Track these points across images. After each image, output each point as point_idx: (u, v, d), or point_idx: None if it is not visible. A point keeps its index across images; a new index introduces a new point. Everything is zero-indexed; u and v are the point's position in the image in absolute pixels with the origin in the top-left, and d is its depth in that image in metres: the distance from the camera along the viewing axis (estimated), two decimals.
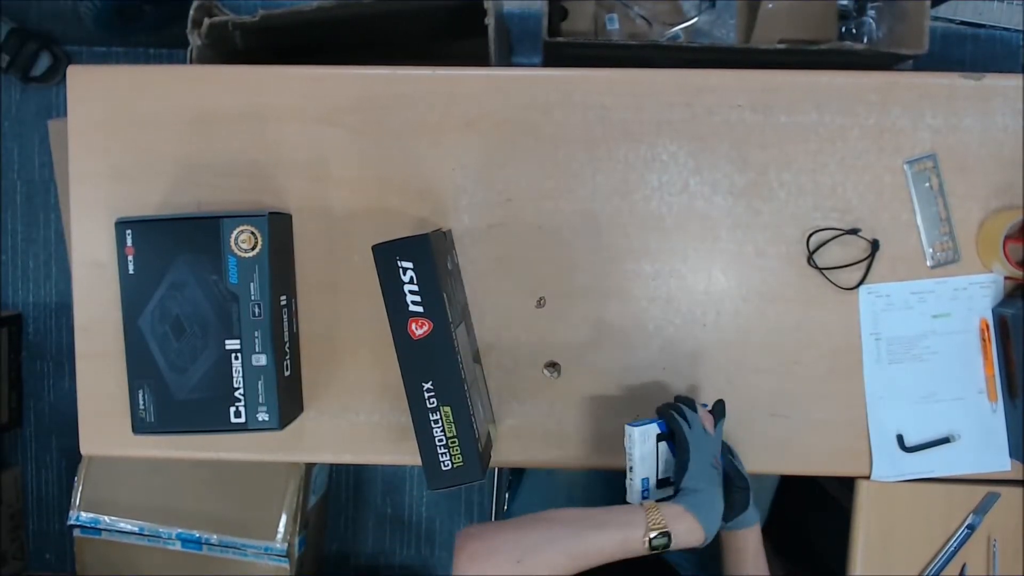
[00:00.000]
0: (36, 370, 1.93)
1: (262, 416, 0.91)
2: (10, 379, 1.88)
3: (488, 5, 1.13)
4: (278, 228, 0.94)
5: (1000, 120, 0.97)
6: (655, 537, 0.73)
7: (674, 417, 0.85)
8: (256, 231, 0.90)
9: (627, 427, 0.86)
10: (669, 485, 0.86)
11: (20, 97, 1.89)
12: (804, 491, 1.28)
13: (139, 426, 0.92)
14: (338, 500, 1.93)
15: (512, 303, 1.00)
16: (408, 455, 1.01)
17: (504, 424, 1.02)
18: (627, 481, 0.86)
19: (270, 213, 0.91)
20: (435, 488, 0.82)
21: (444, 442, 0.81)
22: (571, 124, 0.98)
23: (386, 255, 0.81)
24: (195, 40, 1.14)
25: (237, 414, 0.91)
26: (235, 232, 0.90)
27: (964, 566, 1.00)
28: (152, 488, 1.52)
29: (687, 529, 0.74)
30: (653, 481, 0.86)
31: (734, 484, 0.85)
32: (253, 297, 0.90)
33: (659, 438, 0.86)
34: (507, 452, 1.02)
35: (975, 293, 0.98)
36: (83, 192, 1.01)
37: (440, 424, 0.81)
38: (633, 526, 0.74)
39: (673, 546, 0.73)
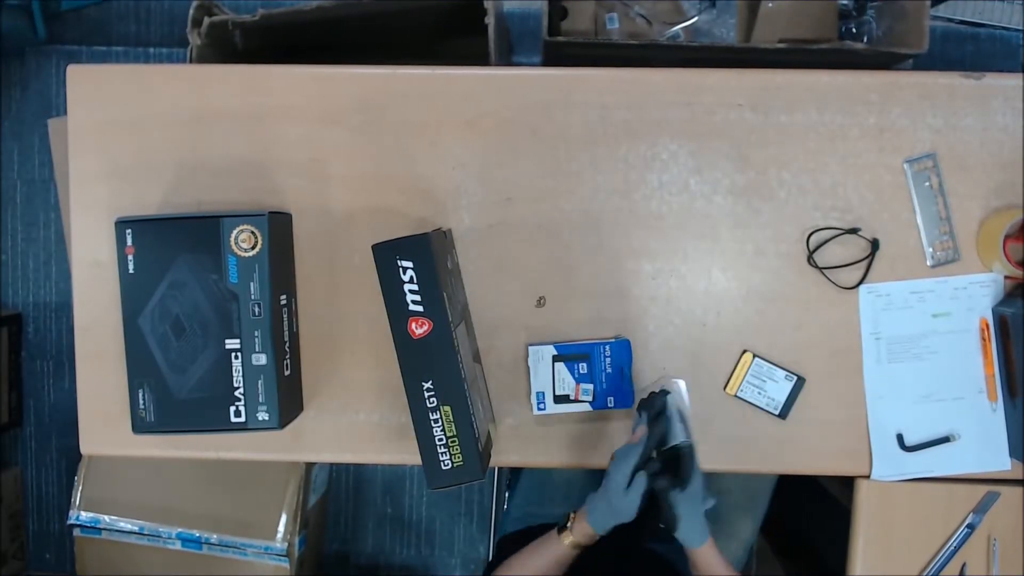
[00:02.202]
0: (36, 370, 1.93)
1: (262, 415, 0.91)
2: (10, 379, 1.88)
3: (488, 4, 1.13)
4: (278, 228, 0.94)
5: (1000, 120, 0.97)
6: (560, 526, 0.93)
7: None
8: (256, 231, 0.90)
9: (528, 346, 0.99)
10: (569, 401, 0.99)
11: (20, 97, 1.89)
12: (804, 491, 1.28)
13: (139, 426, 0.92)
14: (338, 500, 1.93)
15: (512, 303, 1.00)
16: (408, 455, 1.01)
17: (504, 424, 1.02)
18: None
19: (270, 213, 0.91)
20: (435, 487, 0.82)
21: (444, 441, 0.81)
22: (571, 124, 0.98)
23: (386, 254, 0.81)
24: (195, 40, 1.14)
25: (237, 413, 0.91)
26: (235, 232, 0.90)
27: (964, 565, 1.00)
28: (152, 488, 1.52)
29: (580, 528, 0.90)
30: (550, 395, 0.99)
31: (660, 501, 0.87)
32: (253, 296, 0.90)
33: (555, 359, 0.98)
34: (507, 452, 1.02)
35: (975, 292, 0.98)
36: (83, 192, 1.01)
37: (440, 423, 0.81)
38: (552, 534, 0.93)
39: (574, 533, 0.91)
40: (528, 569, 0.92)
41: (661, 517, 0.87)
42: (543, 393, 0.99)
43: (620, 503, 0.86)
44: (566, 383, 0.99)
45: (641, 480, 0.86)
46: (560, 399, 0.99)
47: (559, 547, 0.91)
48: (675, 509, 0.86)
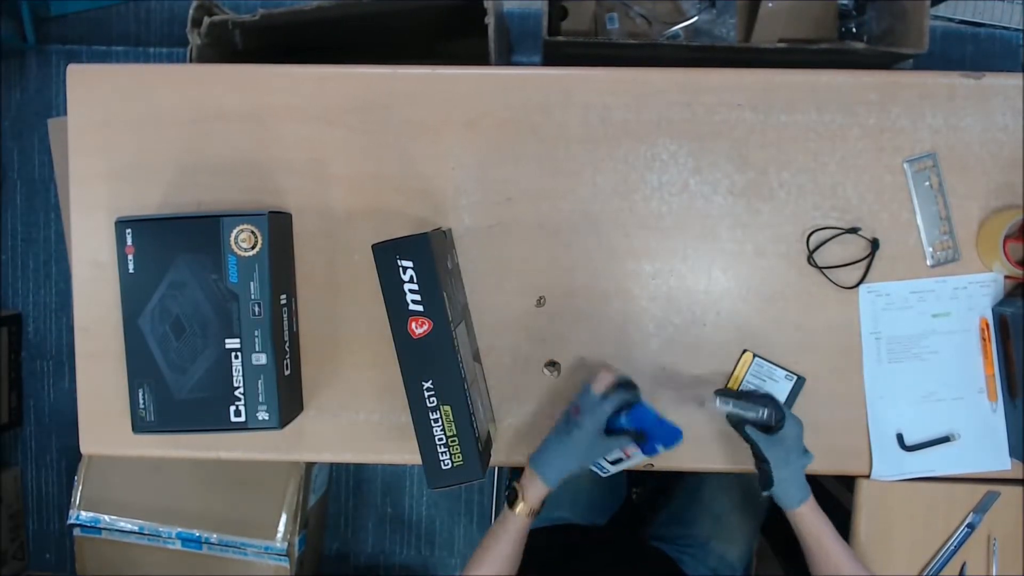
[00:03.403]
0: (36, 370, 1.93)
1: (262, 415, 0.91)
2: (10, 379, 1.88)
3: (488, 4, 1.13)
4: (278, 227, 0.94)
5: (1000, 119, 0.97)
6: (510, 499, 0.91)
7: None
8: (256, 230, 0.90)
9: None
10: (625, 460, 0.94)
11: (20, 97, 1.89)
12: None
13: (139, 425, 0.92)
14: (338, 500, 1.93)
15: (512, 303, 1.00)
16: (408, 454, 1.01)
17: (504, 424, 1.02)
18: None
19: (270, 212, 0.91)
20: (435, 487, 0.82)
21: (444, 441, 0.81)
22: (571, 124, 0.98)
23: (386, 254, 0.81)
24: (195, 39, 1.14)
25: (237, 413, 0.91)
26: (235, 231, 0.90)
27: (964, 565, 1.00)
28: (152, 488, 1.52)
29: (532, 490, 0.89)
30: (606, 462, 0.95)
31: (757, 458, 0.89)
32: (253, 296, 0.90)
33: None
34: (507, 452, 1.02)
35: (975, 292, 0.98)
36: (83, 192, 1.01)
37: (440, 423, 0.81)
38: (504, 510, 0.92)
39: (527, 499, 0.89)
40: (490, 554, 0.90)
41: (758, 476, 0.89)
42: (600, 462, 0.96)
43: (591, 448, 0.87)
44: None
45: (625, 438, 0.87)
46: (616, 462, 0.96)
47: (514, 520, 0.90)
48: (765, 457, 0.87)
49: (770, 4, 1.46)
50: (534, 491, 0.89)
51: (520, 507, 0.89)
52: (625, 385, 0.90)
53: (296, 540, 1.51)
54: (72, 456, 1.93)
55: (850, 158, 0.98)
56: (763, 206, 0.99)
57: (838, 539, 0.89)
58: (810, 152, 0.98)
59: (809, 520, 0.89)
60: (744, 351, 0.99)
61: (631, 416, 0.90)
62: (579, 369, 1.01)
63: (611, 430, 0.88)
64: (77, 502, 1.52)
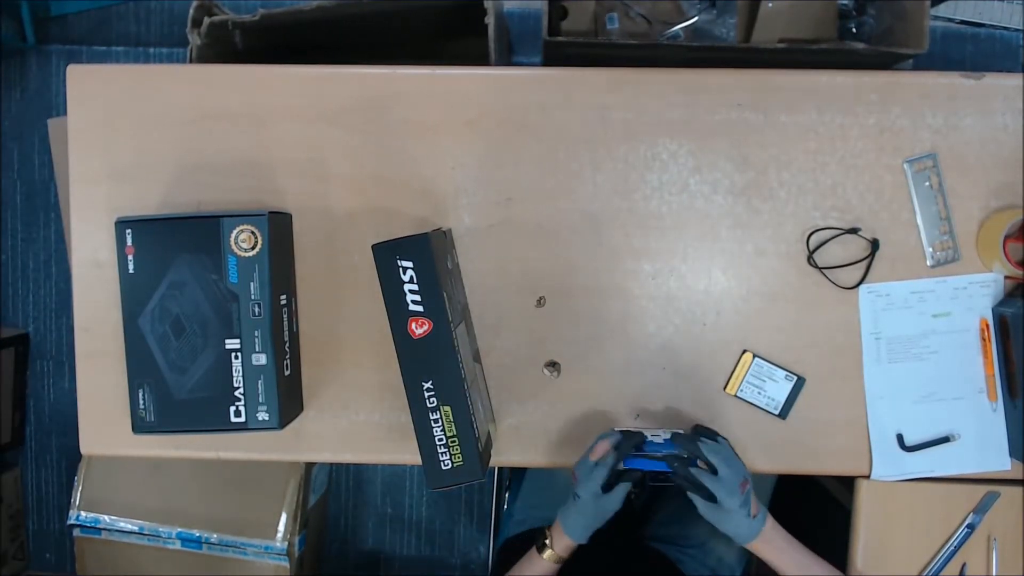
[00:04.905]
0: (36, 370, 1.93)
1: (262, 415, 0.91)
2: (14, 399, 1.87)
3: (488, 5, 1.13)
4: (278, 227, 0.94)
5: (1000, 120, 0.97)
6: (540, 547, 0.95)
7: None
8: (256, 230, 0.90)
9: None
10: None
11: (20, 97, 1.89)
12: (804, 491, 1.28)
13: (139, 426, 0.92)
14: (338, 500, 1.93)
15: (512, 303, 1.00)
16: (408, 455, 1.01)
17: (504, 424, 1.02)
18: None
19: (270, 213, 0.91)
20: (435, 487, 0.82)
21: (444, 441, 0.81)
22: (571, 124, 0.98)
23: (386, 254, 0.81)
24: (195, 39, 1.14)
25: (237, 413, 0.91)
26: (235, 231, 0.90)
27: (964, 565, 1.00)
28: (152, 488, 1.52)
29: (560, 542, 0.93)
30: None
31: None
32: (253, 296, 0.90)
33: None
34: (507, 452, 1.02)
35: (975, 292, 0.98)
36: (83, 192, 1.01)
37: (440, 423, 0.81)
38: (532, 553, 0.96)
39: (555, 547, 0.93)
40: None
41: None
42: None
43: (598, 507, 0.89)
44: None
45: (624, 486, 0.88)
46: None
47: (542, 564, 0.94)
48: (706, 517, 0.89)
49: (770, 4, 1.46)
50: (561, 543, 0.93)
51: (548, 553, 0.94)
52: (625, 442, 0.90)
53: (296, 540, 1.52)
54: (72, 456, 1.93)
55: (850, 158, 0.98)
56: (763, 206, 0.99)
57: (800, 567, 0.90)
58: (810, 152, 0.98)
59: (764, 550, 0.90)
60: (744, 351, 0.99)
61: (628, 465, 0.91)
62: (579, 369, 1.01)
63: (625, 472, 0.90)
64: (77, 502, 1.52)
